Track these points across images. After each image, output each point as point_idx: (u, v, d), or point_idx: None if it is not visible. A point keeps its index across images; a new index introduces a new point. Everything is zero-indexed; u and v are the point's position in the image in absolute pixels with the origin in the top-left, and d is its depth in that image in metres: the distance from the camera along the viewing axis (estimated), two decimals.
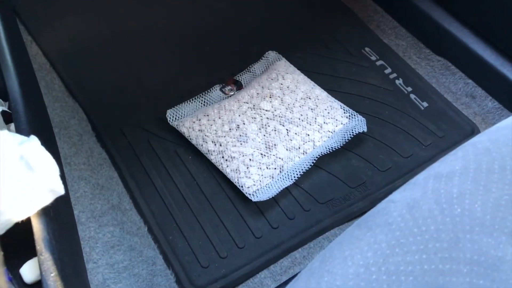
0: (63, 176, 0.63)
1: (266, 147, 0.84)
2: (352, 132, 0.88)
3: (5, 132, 0.49)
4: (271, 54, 1.01)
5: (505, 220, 0.36)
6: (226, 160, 0.83)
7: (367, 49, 1.05)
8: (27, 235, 0.45)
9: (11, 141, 0.47)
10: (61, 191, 0.46)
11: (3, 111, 0.56)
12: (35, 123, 0.55)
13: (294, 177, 0.82)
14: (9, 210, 0.44)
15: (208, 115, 0.89)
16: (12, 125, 0.56)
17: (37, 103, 0.63)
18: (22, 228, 0.45)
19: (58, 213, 0.49)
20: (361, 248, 0.36)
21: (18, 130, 0.53)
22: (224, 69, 1.00)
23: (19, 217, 0.44)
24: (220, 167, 0.83)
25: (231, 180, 0.82)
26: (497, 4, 0.88)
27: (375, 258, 0.35)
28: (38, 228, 0.44)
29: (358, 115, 0.90)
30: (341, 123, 0.89)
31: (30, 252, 0.45)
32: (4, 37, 0.56)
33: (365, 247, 0.36)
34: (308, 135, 0.87)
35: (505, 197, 0.37)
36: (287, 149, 0.85)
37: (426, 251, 0.35)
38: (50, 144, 0.64)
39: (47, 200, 0.45)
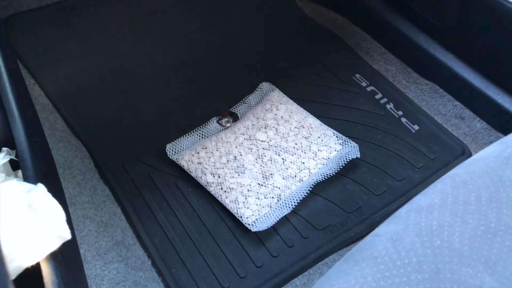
0: (68, 217, 0.66)
1: (263, 177, 0.87)
2: (346, 159, 0.90)
3: (13, 181, 0.52)
4: (265, 85, 1.05)
5: (481, 250, 0.39)
6: (225, 191, 0.86)
7: (357, 75, 1.09)
8: (37, 279, 0.47)
9: (20, 189, 0.51)
10: (67, 236, 0.48)
11: (11, 159, 0.59)
12: (41, 169, 0.58)
13: (292, 205, 0.85)
14: (20, 257, 0.47)
15: (206, 148, 0.92)
16: (20, 172, 0.60)
17: (42, 149, 0.67)
18: (32, 273, 0.47)
19: (66, 256, 0.52)
20: (349, 282, 0.38)
21: (25, 177, 0.56)
22: (220, 101, 1.03)
23: (29, 263, 0.47)
24: (219, 199, 0.86)
25: (231, 211, 0.84)
26: (477, 31, 0.92)
27: None
28: (47, 272, 0.47)
29: (351, 142, 0.93)
30: (335, 150, 0.92)
31: None
32: (10, 90, 0.59)
33: (352, 281, 0.38)
34: (304, 163, 0.90)
35: (481, 227, 0.40)
36: (283, 178, 0.88)
37: (409, 282, 0.37)
38: (55, 188, 0.67)
39: (55, 245, 0.48)
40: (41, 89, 1.02)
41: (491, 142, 0.96)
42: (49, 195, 0.51)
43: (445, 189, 0.43)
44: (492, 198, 0.41)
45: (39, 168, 0.58)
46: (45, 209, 0.49)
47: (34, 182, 0.55)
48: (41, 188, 0.51)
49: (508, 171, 0.43)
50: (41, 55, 1.08)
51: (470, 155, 0.96)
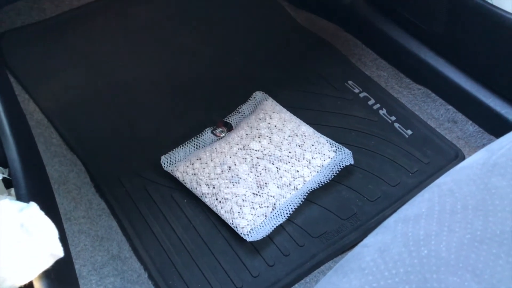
0: (63, 233, 0.66)
1: (258, 186, 0.88)
2: (340, 165, 0.91)
3: (6, 200, 0.52)
4: (258, 94, 1.06)
5: (468, 258, 0.39)
6: (220, 202, 0.86)
7: (350, 82, 1.10)
8: None
9: (12, 209, 0.51)
10: (60, 254, 0.49)
11: (3, 178, 0.60)
12: (34, 187, 0.58)
13: (287, 213, 0.85)
14: (12, 276, 0.47)
15: (200, 159, 0.92)
16: (12, 190, 0.60)
17: (36, 166, 0.67)
18: None
19: (59, 273, 0.52)
20: None
21: (18, 196, 0.57)
22: (214, 112, 1.04)
23: (22, 282, 0.47)
24: (214, 209, 0.86)
25: (226, 221, 0.85)
26: (467, 36, 0.93)
27: None
28: None
29: (345, 148, 0.94)
30: (329, 157, 0.93)
31: None
32: (2, 108, 0.60)
33: None
34: (298, 171, 0.90)
35: (468, 235, 0.40)
36: (278, 187, 0.88)
37: None
38: (49, 204, 0.67)
39: (48, 263, 0.48)
40: (35, 105, 1.03)
41: (484, 145, 0.97)
42: (42, 213, 0.51)
43: (432, 198, 0.44)
44: (478, 206, 0.42)
45: (32, 185, 0.58)
46: (38, 227, 0.49)
47: (27, 200, 0.56)
48: (33, 206, 0.52)
49: (494, 178, 0.43)
50: (35, 70, 1.09)
51: (463, 158, 0.96)
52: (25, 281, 0.47)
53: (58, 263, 0.50)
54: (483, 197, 0.42)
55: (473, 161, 0.47)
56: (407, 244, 0.40)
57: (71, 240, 0.77)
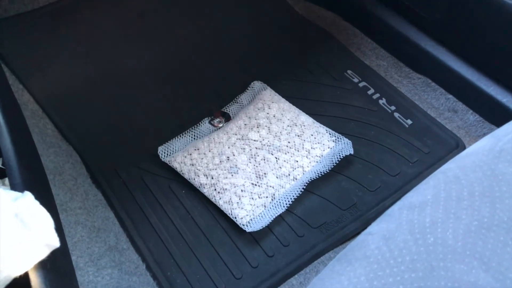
0: (59, 224, 0.65)
1: (257, 177, 0.87)
2: (340, 155, 0.90)
3: (0, 190, 0.51)
4: (257, 84, 1.04)
5: (475, 245, 0.38)
6: (219, 192, 0.85)
7: (349, 71, 1.09)
8: None
9: (6, 198, 0.50)
10: (56, 244, 0.48)
11: None
12: (29, 176, 0.57)
13: (286, 204, 0.84)
14: (7, 267, 0.46)
15: (198, 149, 0.91)
16: (7, 180, 0.59)
17: (30, 156, 0.66)
18: (21, 283, 0.47)
19: (55, 264, 0.51)
20: (342, 283, 0.38)
21: (12, 185, 0.55)
22: (212, 102, 1.02)
23: (17, 273, 0.46)
24: (213, 200, 0.85)
25: (225, 212, 0.84)
26: (467, 23, 0.92)
27: None
28: (36, 282, 0.46)
29: (344, 138, 0.93)
30: (328, 147, 0.92)
31: None
32: None
33: (345, 282, 0.38)
34: (297, 161, 0.89)
35: (475, 222, 0.39)
36: (277, 177, 0.87)
37: (403, 282, 0.37)
38: (44, 195, 0.66)
39: (43, 254, 0.47)
40: (30, 95, 1.01)
41: (484, 135, 0.96)
42: (37, 203, 0.50)
43: (438, 185, 0.43)
44: (485, 193, 0.41)
45: (26, 175, 0.57)
46: (32, 217, 0.48)
47: (21, 190, 0.54)
48: (28, 196, 0.50)
49: (501, 164, 0.42)
50: (29, 60, 1.07)
51: (464, 148, 0.95)
52: (21, 272, 0.46)
53: (54, 254, 0.48)
54: (490, 183, 0.41)
55: (479, 148, 0.46)
56: (412, 231, 0.39)
57: (68, 231, 0.75)
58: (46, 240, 0.47)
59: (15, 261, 0.46)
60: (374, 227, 0.43)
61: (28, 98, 1.00)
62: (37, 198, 0.50)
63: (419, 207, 0.41)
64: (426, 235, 0.39)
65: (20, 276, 0.46)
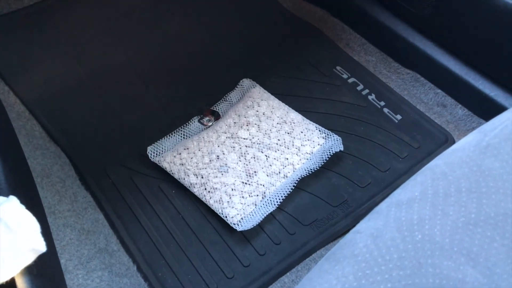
0: (46, 228, 0.64)
1: (247, 175, 0.86)
2: (330, 152, 0.90)
3: None
4: (246, 82, 1.04)
5: (462, 241, 0.38)
6: (209, 191, 0.85)
7: (338, 67, 1.08)
8: None
9: None
10: (42, 249, 0.47)
11: None
12: (14, 180, 0.56)
13: (277, 202, 0.84)
14: None
15: (188, 148, 0.90)
16: None
17: (16, 159, 0.65)
18: None
19: (43, 269, 0.50)
20: (330, 282, 0.37)
21: None
22: (201, 100, 1.02)
23: (3, 279, 0.45)
24: (203, 199, 0.85)
25: (215, 211, 0.83)
26: (455, 18, 0.92)
27: None
28: (22, 287, 0.45)
29: (334, 135, 0.93)
30: (318, 144, 0.92)
31: None
32: None
33: (333, 281, 0.37)
34: (287, 159, 0.89)
35: (462, 219, 0.39)
36: (267, 175, 0.87)
37: (391, 280, 0.37)
38: (31, 198, 0.65)
39: (30, 259, 0.46)
40: (16, 96, 1.00)
41: (473, 129, 0.96)
42: (22, 207, 0.49)
43: (425, 181, 0.43)
44: (471, 189, 0.41)
45: (12, 179, 0.56)
46: (18, 222, 0.47)
47: (7, 194, 0.54)
48: (13, 200, 0.50)
49: (487, 160, 0.42)
50: (14, 60, 1.05)
51: (453, 142, 0.96)
52: (6, 278, 0.45)
53: (41, 259, 0.48)
54: (477, 179, 0.41)
55: (466, 143, 0.46)
56: (400, 229, 0.39)
57: (56, 234, 0.75)
58: (32, 245, 0.46)
59: (0, 267, 0.45)
60: (362, 225, 0.42)
61: (14, 100, 0.99)
62: (23, 201, 0.49)
63: (407, 204, 0.41)
64: (414, 232, 0.39)
65: (6, 282, 0.46)
